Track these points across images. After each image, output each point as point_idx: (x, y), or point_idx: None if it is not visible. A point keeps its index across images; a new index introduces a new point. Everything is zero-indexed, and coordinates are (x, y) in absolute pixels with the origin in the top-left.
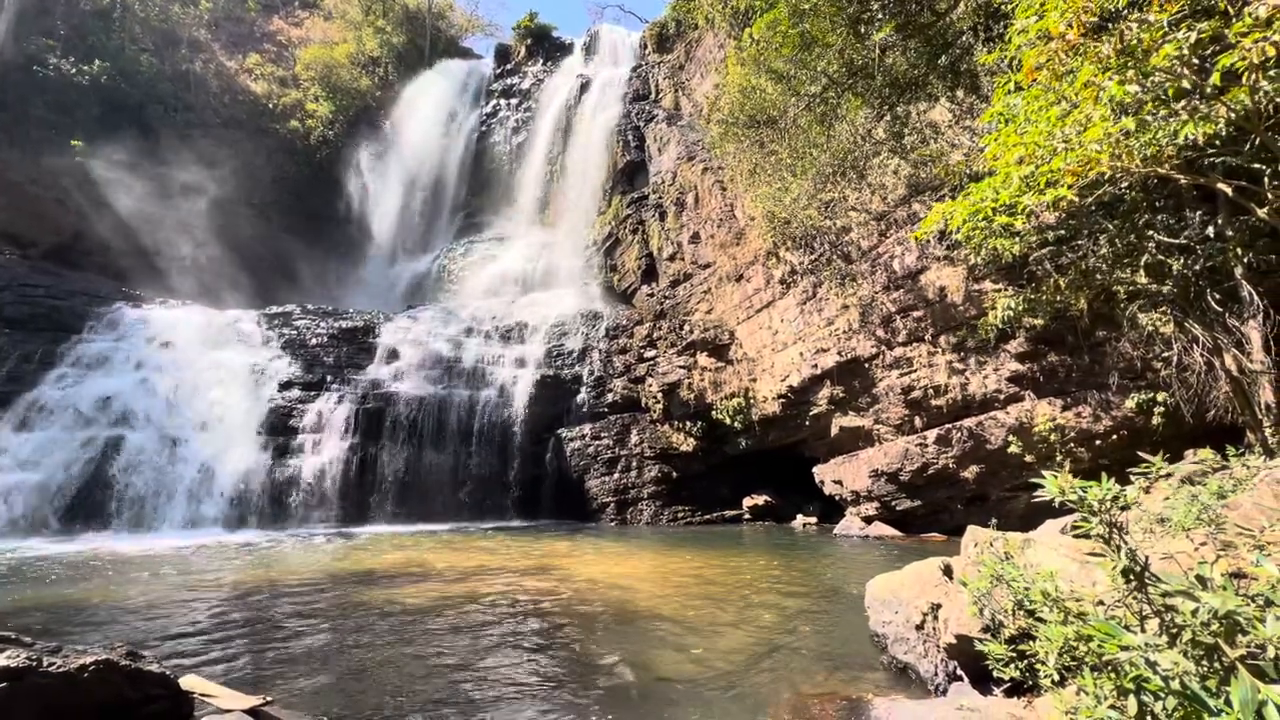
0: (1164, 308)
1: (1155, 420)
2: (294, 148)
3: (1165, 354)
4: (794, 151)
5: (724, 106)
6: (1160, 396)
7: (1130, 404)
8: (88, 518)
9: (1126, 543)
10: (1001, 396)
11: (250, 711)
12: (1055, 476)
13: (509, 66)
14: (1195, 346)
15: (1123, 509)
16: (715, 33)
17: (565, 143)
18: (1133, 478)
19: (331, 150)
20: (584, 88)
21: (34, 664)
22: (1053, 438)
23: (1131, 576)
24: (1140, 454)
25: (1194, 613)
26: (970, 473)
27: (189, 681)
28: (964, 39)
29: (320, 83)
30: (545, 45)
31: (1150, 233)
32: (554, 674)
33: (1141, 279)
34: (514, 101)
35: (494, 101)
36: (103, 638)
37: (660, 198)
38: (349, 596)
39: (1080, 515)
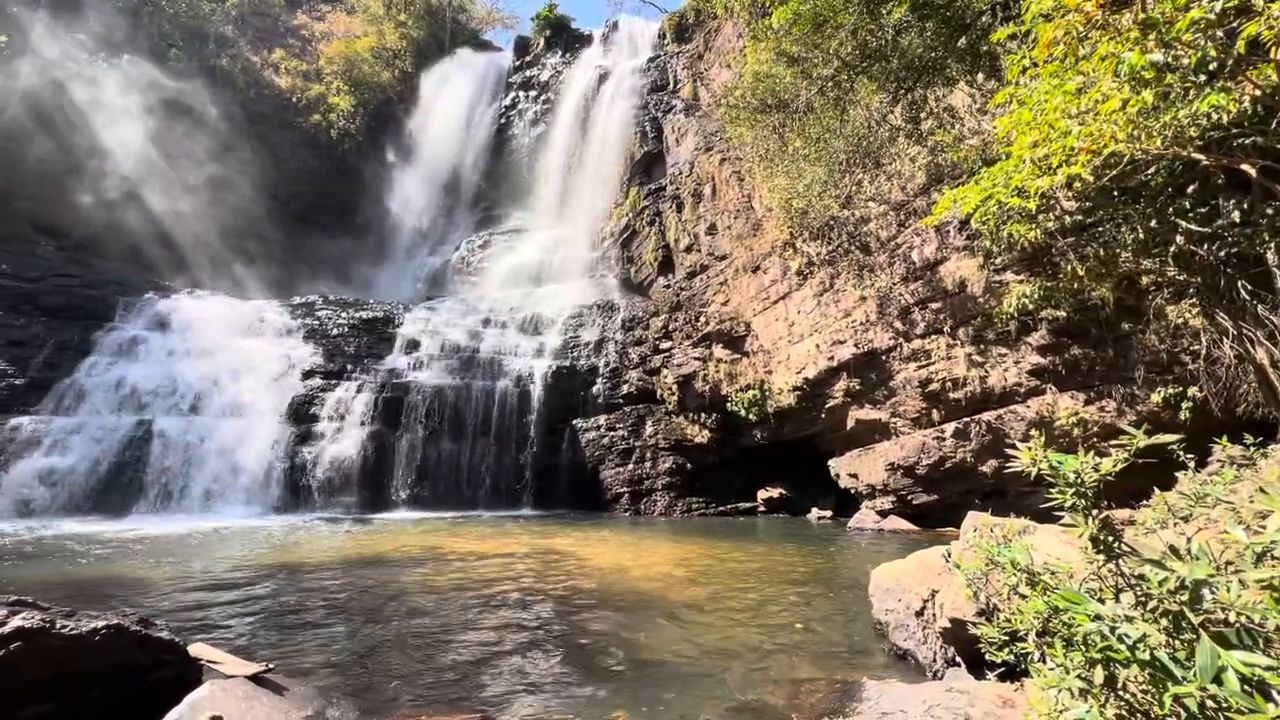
0: (1193, 298)
1: (1183, 414)
2: (317, 141)
3: (1194, 347)
4: (807, 138)
5: (736, 92)
6: (1190, 391)
7: (1156, 398)
8: (117, 500)
9: (1096, 513)
10: (1022, 390)
11: (253, 678)
12: (1029, 447)
13: (528, 59)
14: (1225, 339)
15: (1101, 480)
16: (734, 22)
17: (583, 134)
18: (1111, 450)
19: (353, 144)
20: (602, 79)
21: (48, 625)
22: (1075, 432)
23: (1101, 546)
24: (1172, 450)
25: (1161, 582)
26: (989, 467)
27: (197, 649)
28: (983, 19)
29: (343, 77)
30: (564, 37)
31: (1178, 220)
32: (555, 655)
33: (1170, 269)
34: (533, 93)
35: (513, 94)
36: (120, 607)
37: (677, 189)
38: (362, 578)
39: (1057, 489)
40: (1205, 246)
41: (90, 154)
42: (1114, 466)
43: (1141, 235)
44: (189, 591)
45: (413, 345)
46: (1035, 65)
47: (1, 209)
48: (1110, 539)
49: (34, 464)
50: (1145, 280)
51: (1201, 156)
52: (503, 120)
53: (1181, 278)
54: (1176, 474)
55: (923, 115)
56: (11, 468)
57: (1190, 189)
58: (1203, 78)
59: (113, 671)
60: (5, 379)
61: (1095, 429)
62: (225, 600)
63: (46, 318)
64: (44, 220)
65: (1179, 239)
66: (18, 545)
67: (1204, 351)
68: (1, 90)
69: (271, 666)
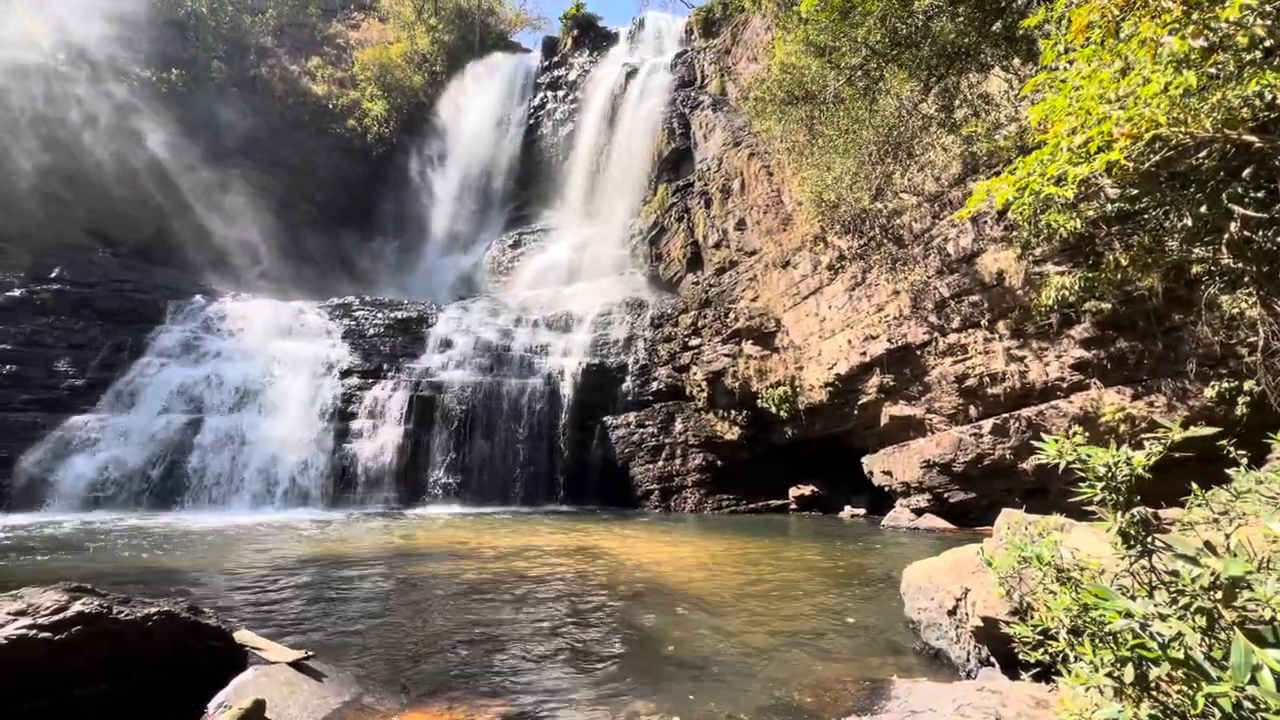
0: (1248, 287)
1: (1239, 410)
2: (351, 146)
3: (1250, 339)
4: (837, 129)
5: (764, 85)
6: (1246, 385)
7: (1210, 393)
8: (167, 494)
9: (1128, 507)
10: (1064, 385)
11: (294, 664)
12: (1056, 440)
13: (556, 59)
14: None
15: (1134, 474)
16: (762, 15)
17: (611, 132)
18: (1145, 443)
19: (386, 147)
20: (630, 76)
21: (105, 610)
22: (1122, 428)
23: (1132, 541)
24: (1225, 446)
25: (1195, 578)
26: (1029, 465)
27: (241, 635)
28: (1018, 1)
29: (376, 82)
30: (591, 35)
31: (1232, 205)
32: (586, 648)
33: (1224, 257)
34: (561, 93)
35: (541, 94)
36: (171, 596)
37: (706, 185)
38: (399, 570)
39: (1087, 483)
40: (1262, 233)
41: (140, 165)
42: (1148, 460)
43: (1191, 222)
44: (235, 581)
45: (446, 344)
46: (1071, 49)
47: (62, 218)
48: (1142, 534)
49: (91, 460)
50: (1196, 269)
51: (1255, 139)
52: (531, 121)
53: (1236, 266)
54: (1229, 472)
55: (956, 103)
56: (71, 463)
57: (1245, 172)
58: (1258, 54)
59: (164, 655)
60: (66, 379)
61: (1143, 425)
62: (269, 590)
63: (103, 321)
64: (100, 229)
65: (1233, 225)
66: (77, 536)
67: (1261, 343)
68: (59, 103)
69: (312, 654)
